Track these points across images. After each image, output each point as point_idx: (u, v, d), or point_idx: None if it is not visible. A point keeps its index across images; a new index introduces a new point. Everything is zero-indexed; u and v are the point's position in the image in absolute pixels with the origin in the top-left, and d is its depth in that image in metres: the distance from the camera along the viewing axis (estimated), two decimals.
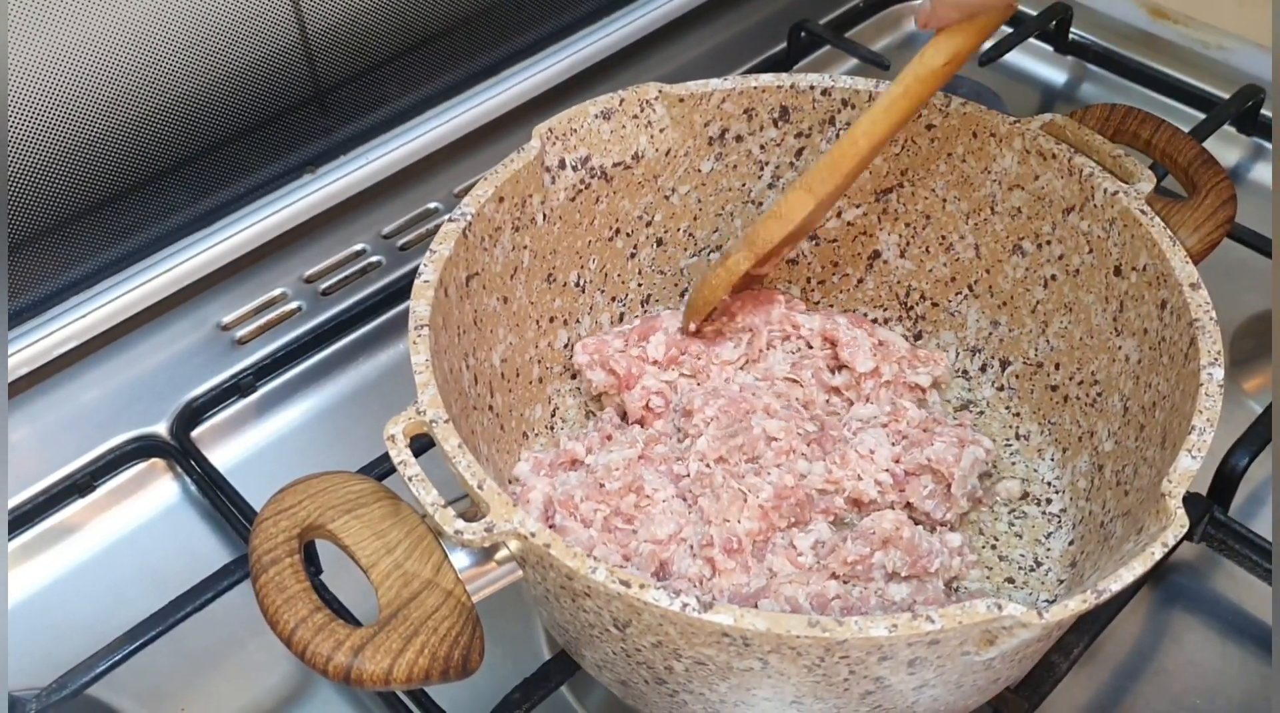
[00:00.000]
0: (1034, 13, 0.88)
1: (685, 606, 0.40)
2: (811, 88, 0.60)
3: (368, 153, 0.80)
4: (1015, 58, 0.88)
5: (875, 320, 0.66)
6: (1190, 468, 0.43)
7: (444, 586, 0.44)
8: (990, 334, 0.62)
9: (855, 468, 0.56)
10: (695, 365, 0.61)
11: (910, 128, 0.60)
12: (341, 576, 0.54)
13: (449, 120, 0.81)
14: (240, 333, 0.72)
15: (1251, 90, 0.80)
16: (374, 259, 0.77)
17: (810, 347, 0.63)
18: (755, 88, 0.60)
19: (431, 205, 0.80)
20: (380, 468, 0.61)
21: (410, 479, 0.44)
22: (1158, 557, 0.41)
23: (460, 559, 0.45)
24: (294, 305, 0.74)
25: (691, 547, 0.55)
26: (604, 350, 0.61)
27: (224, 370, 0.70)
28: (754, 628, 0.39)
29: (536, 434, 0.61)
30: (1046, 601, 0.55)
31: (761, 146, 0.62)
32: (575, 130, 0.58)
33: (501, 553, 0.46)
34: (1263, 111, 0.81)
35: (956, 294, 0.63)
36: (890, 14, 0.92)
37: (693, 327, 0.62)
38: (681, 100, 0.60)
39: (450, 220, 0.54)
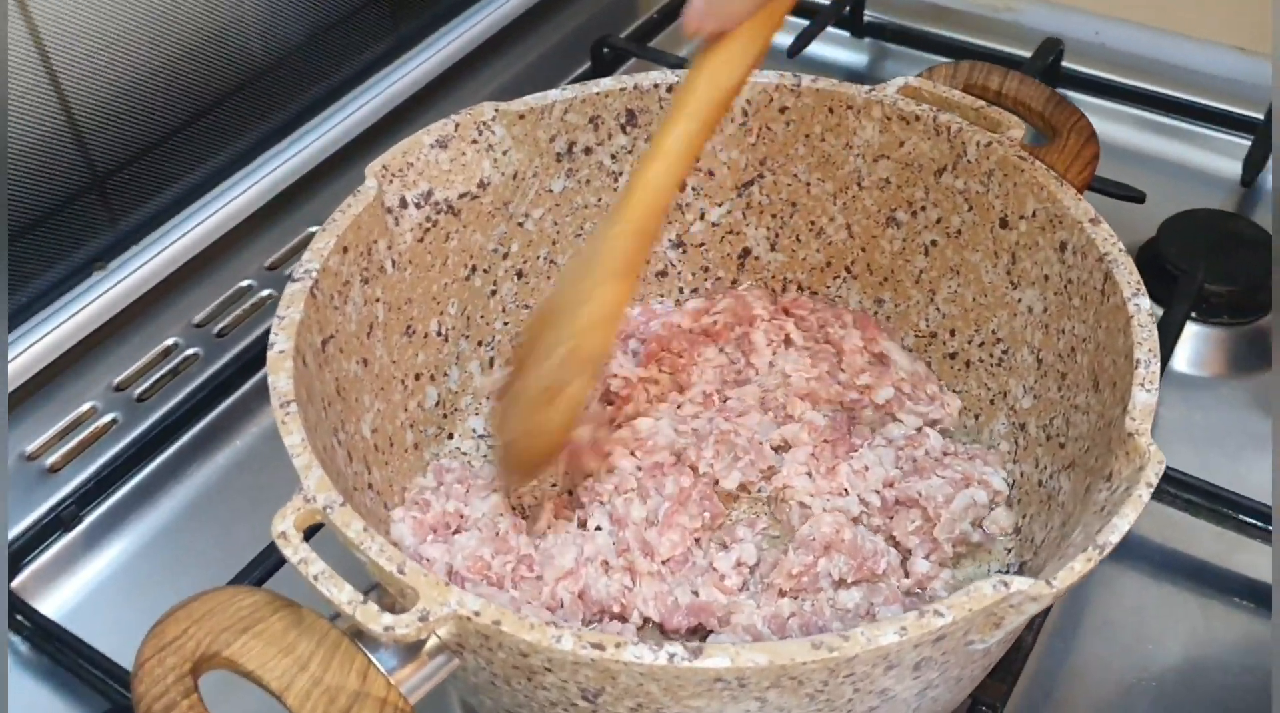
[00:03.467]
0: (827, 1, 0.87)
1: (673, 656, 0.35)
2: (655, 86, 0.56)
3: (161, 238, 0.71)
4: (817, 49, 0.87)
5: None
6: (1149, 402, 0.41)
7: (375, 694, 0.38)
8: (875, 314, 0.60)
9: (843, 481, 0.52)
10: (676, 363, 0.57)
11: (764, 114, 0.57)
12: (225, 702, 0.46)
13: (247, 189, 0.74)
14: (50, 460, 0.63)
15: (1051, 44, 0.81)
16: (190, 353, 0.69)
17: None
18: (598, 94, 0.56)
19: (244, 283, 0.72)
20: (252, 577, 0.53)
21: (316, 579, 0.38)
22: (1146, 499, 0.39)
23: (382, 661, 0.39)
24: (107, 419, 0.65)
25: (606, 564, 0.50)
26: None
27: (39, 505, 0.61)
28: (754, 664, 0.35)
29: None
30: (999, 571, 0.52)
31: (613, 156, 0.58)
32: (412, 164, 0.53)
33: (430, 643, 0.39)
34: (1064, 63, 0.82)
35: (835, 278, 0.61)
36: None
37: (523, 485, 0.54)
38: (521, 117, 0.55)
39: (293, 280, 0.47)
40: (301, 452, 0.41)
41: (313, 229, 0.73)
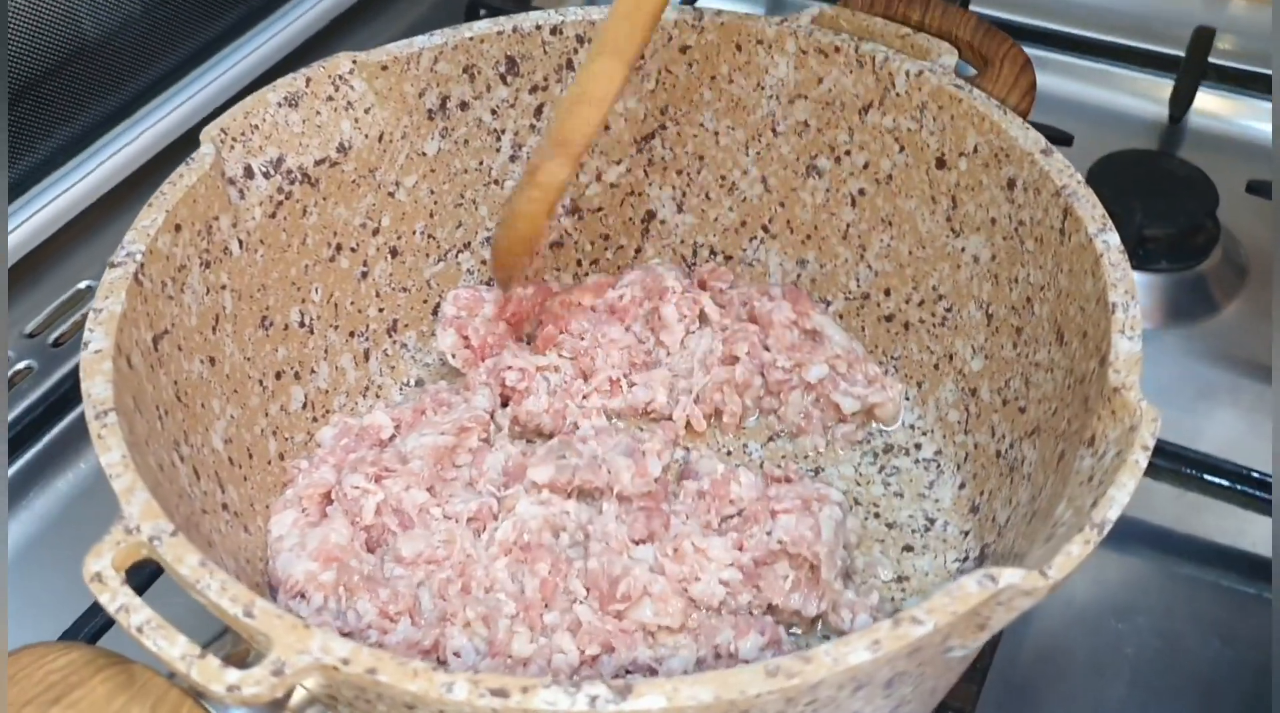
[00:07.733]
0: None
1: (595, 699, 0.28)
2: (538, 28, 0.49)
3: None
4: None
5: None
6: (1133, 351, 0.36)
7: None
8: (799, 277, 0.54)
9: (692, 564, 0.43)
10: (577, 347, 0.50)
11: (663, 55, 0.50)
12: None
13: (83, 178, 0.65)
14: None
15: None
16: (21, 366, 0.60)
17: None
18: (471, 39, 0.49)
19: (83, 285, 0.64)
20: (90, 626, 0.45)
21: (141, 629, 0.30)
22: (1144, 464, 0.33)
23: None
24: None
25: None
26: (474, 308, 0.51)
27: None
28: (697, 701, 0.28)
29: None
30: (958, 560, 0.46)
31: (493, 111, 0.50)
32: (257, 127, 0.45)
33: (298, 696, 0.32)
34: (972, 7, 0.77)
35: (751, 240, 0.54)
36: None
37: (517, 284, 0.51)
38: (384, 68, 0.47)
39: (113, 265, 0.39)
40: (122, 471, 0.33)
41: None
